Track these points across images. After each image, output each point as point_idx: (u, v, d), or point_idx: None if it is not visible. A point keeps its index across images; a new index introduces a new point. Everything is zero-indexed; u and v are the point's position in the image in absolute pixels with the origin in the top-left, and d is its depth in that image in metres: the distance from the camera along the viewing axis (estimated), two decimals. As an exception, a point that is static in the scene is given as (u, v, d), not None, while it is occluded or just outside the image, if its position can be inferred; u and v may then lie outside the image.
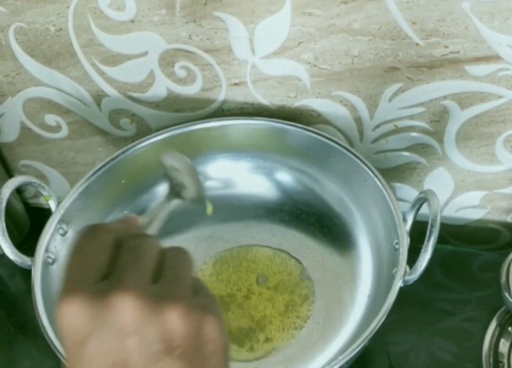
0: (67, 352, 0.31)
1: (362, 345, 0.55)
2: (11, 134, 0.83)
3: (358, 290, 0.68)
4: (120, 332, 0.30)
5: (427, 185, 0.76)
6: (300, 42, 0.65)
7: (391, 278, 0.60)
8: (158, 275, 0.33)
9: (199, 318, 0.32)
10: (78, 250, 0.33)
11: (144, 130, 0.78)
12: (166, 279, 0.33)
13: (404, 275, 0.59)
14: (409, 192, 0.78)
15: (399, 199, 0.78)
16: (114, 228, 0.35)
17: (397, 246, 0.61)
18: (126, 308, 0.30)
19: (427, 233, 0.58)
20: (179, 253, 0.36)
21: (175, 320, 0.31)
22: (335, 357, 0.57)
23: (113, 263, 0.32)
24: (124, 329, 0.30)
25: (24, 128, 0.81)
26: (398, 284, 0.58)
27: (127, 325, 0.30)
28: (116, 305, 0.30)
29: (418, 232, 0.62)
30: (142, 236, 0.36)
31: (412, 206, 0.62)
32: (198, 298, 0.33)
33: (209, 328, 0.32)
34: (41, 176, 0.87)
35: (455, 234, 0.81)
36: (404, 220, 0.62)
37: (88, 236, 0.34)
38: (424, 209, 0.61)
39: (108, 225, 0.35)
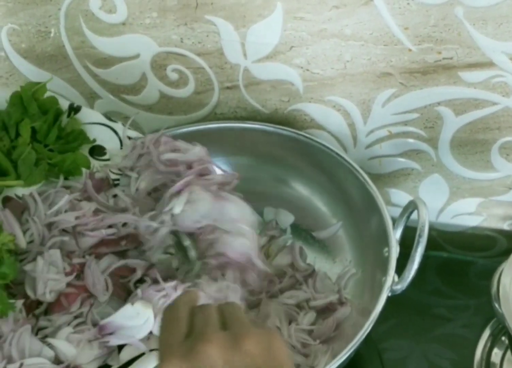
0: None
1: (345, 356, 0.55)
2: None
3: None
4: None
5: (422, 191, 0.75)
6: (292, 47, 0.64)
7: (381, 286, 0.59)
8: (225, 324, 0.43)
9: (267, 340, 0.41)
10: (165, 320, 0.44)
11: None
12: (232, 324, 0.42)
13: (392, 285, 0.58)
14: (404, 198, 0.76)
15: (394, 205, 0.77)
16: (185, 300, 0.46)
17: (386, 254, 0.60)
18: (212, 351, 0.39)
19: (415, 242, 0.57)
20: (232, 305, 0.46)
21: (251, 347, 0.40)
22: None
23: (191, 325, 0.43)
24: (216, 366, 0.39)
25: (18, 129, 0.81)
26: (385, 294, 0.58)
27: (216, 362, 0.39)
28: (205, 351, 0.39)
29: (412, 238, 0.61)
30: (205, 304, 0.46)
31: (401, 214, 0.62)
32: (259, 328, 0.42)
33: (275, 345, 0.41)
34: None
35: (451, 241, 0.80)
36: (394, 227, 0.62)
37: (171, 309, 0.45)
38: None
39: (181, 299, 0.47)
